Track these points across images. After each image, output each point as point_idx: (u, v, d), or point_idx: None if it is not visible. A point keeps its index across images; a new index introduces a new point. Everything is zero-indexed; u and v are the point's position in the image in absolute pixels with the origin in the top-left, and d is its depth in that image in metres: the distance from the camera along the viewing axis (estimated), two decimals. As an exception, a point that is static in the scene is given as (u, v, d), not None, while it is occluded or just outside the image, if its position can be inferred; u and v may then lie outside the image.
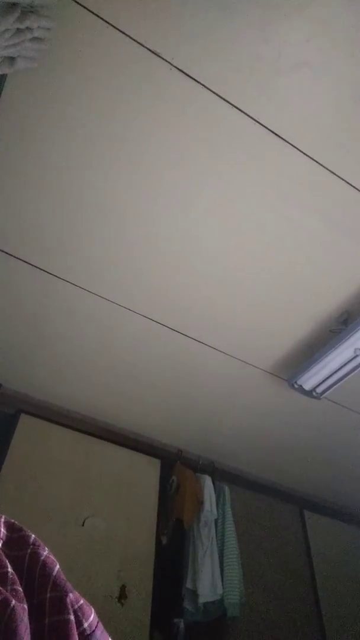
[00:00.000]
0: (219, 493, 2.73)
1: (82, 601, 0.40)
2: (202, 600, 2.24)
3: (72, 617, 0.37)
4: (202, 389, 2.48)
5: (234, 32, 1.26)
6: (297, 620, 2.64)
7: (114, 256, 1.85)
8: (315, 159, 1.50)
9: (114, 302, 2.03)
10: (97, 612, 0.42)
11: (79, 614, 0.39)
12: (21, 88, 1.38)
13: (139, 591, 2.22)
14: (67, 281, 1.95)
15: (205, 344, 2.20)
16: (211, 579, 2.31)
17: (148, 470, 2.75)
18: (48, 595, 0.38)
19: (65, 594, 0.39)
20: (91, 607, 0.41)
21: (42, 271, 1.92)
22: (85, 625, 0.38)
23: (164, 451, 2.87)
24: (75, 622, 0.37)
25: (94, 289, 1.99)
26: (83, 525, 2.28)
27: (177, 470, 2.75)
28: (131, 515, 2.48)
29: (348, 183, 1.56)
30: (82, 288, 1.98)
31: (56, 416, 2.62)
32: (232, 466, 3.07)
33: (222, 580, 2.34)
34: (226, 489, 2.79)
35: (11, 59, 1.14)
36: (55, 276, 1.93)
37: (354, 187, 1.56)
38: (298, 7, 1.21)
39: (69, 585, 0.40)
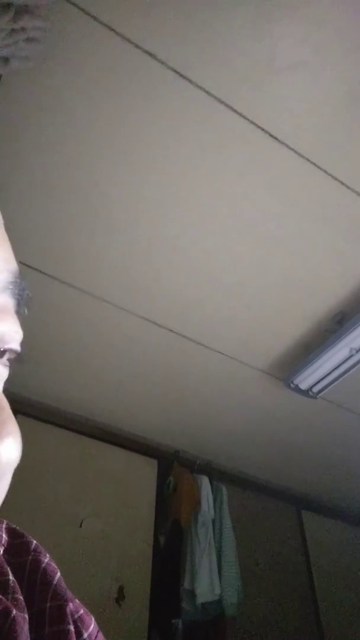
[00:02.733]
0: (216, 493, 2.73)
1: (82, 610, 0.40)
2: (200, 600, 2.23)
3: (71, 628, 0.37)
4: (198, 389, 2.48)
5: (228, 33, 1.26)
6: (295, 619, 2.65)
7: (108, 256, 1.84)
8: (310, 160, 1.51)
9: (109, 302, 2.02)
10: (96, 614, 0.42)
11: (79, 624, 0.38)
12: (16, 89, 1.37)
13: (137, 592, 2.22)
14: (62, 281, 1.94)
15: (201, 344, 2.20)
16: (209, 579, 2.30)
17: (145, 471, 2.74)
18: (48, 604, 0.38)
19: (65, 604, 0.38)
20: (91, 616, 0.40)
21: (36, 271, 1.91)
22: (85, 635, 0.38)
23: (161, 451, 2.87)
24: (75, 633, 0.37)
25: (89, 289, 1.98)
26: (80, 526, 2.28)
27: (174, 470, 2.75)
28: (128, 516, 2.47)
29: (343, 184, 1.56)
30: (77, 288, 1.97)
31: (52, 417, 2.61)
32: (229, 466, 3.07)
33: (220, 580, 2.33)
34: (223, 489, 2.79)
35: (5, 60, 1.13)
36: (50, 276, 1.92)
37: (349, 187, 1.57)
38: (293, 7, 1.21)
39: (69, 594, 0.40)
